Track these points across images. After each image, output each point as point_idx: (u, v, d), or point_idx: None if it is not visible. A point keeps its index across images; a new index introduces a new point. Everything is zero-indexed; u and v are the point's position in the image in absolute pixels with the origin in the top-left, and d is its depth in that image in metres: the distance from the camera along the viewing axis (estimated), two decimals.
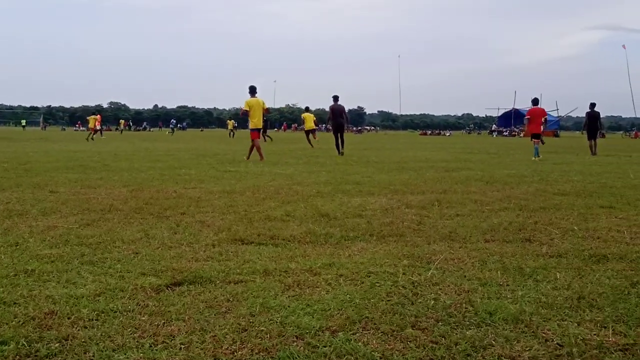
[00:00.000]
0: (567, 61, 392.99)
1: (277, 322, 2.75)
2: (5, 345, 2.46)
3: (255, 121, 14.52)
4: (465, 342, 2.53)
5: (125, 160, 14.00)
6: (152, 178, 9.41)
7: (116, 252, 4.12)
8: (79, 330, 2.63)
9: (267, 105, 14.92)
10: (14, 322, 2.70)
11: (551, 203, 6.78)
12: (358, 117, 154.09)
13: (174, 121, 58.29)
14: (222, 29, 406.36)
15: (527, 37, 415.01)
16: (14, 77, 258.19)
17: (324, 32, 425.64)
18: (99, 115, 33.50)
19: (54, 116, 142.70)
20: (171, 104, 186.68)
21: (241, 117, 16.62)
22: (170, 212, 5.91)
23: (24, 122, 79.72)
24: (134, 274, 3.56)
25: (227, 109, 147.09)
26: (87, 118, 33.53)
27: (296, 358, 2.39)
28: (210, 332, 2.64)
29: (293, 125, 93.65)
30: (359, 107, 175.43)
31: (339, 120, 17.83)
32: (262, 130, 17.30)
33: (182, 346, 2.49)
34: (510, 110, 75.37)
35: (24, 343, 2.47)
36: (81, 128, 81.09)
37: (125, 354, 2.39)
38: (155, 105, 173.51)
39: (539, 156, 16.16)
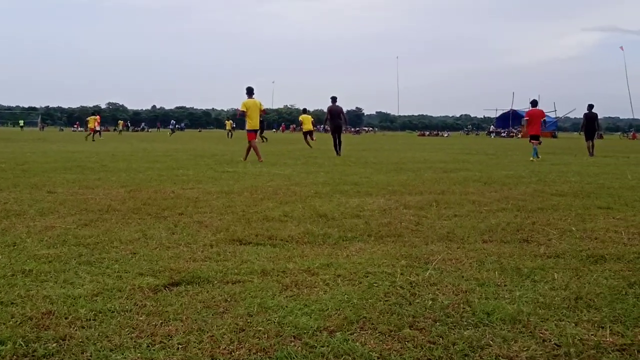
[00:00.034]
0: (565, 62, 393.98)
1: (274, 322, 2.75)
2: (2, 345, 2.45)
3: (252, 122, 14.51)
4: (463, 342, 2.53)
5: (123, 160, 13.98)
6: (150, 179, 9.40)
7: (114, 253, 4.11)
8: (76, 330, 2.63)
9: (264, 107, 14.94)
10: (11, 322, 2.70)
11: (549, 204, 6.79)
12: (356, 118, 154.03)
13: (174, 122, 58.15)
14: (221, 29, 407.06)
15: (525, 38, 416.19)
16: (12, 77, 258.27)
17: (323, 33, 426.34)
18: (98, 116, 33.53)
19: (52, 117, 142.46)
20: (169, 105, 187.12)
21: (238, 119, 16.58)
22: (168, 212, 5.90)
23: (21, 122, 79.74)
24: (132, 274, 3.56)
25: (226, 109, 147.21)
26: (87, 119, 33.50)
27: (294, 358, 2.39)
28: (207, 332, 2.64)
29: (292, 126, 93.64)
30: (357, 107, 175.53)
31: (336, 121, 17.88)
32: (258, 132, 17.29)
33: (180, 346, 2.48)
34: (509, 111, 75.48)
35: (22, 343, 2.47)
36: (79, 129, 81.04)
37: (122, 354, 2.39)
38: (154, 106, 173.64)
39: (538, 157, 16.19)
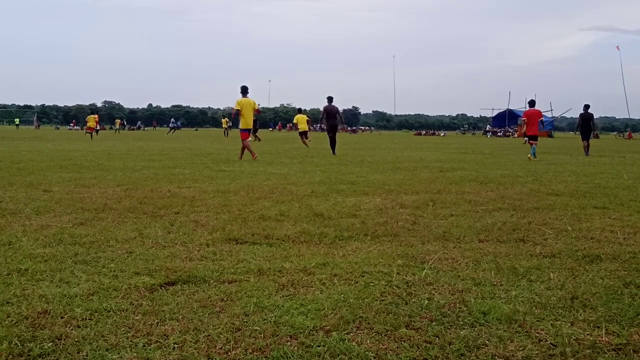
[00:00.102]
0: (562, 62, 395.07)
1: (271, 322, 2.75)
2: None
3: (246, 121, 14.54)
4: (459, 342, 2.53)
5: (120, 159, 13.95)
6: (146, 177, 9.38)
7: (110, 252, 4.10)
8: (72, 329, 2.62)
9: (258, 106, 15.02)
10: (6, 322, 2.69)
11: (545, 203, 6.81)
12: (353, 117, 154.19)
13: (174, 120, 57.72)
14: (217, 29, 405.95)
15: (521, 38, 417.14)
16: (8, 75, 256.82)
17: (321, 33, 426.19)
18: (97, 115, 34.05)
19: (47, 115, 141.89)
20: (166, 103, 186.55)
21: (233, 118, 16.60)
22: (164, 211, 5.89)
23: (17, 120, 79.42)
24: (128, 273, 3.55)
25: (222, 108, 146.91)
26: (87, 118, 33.73)
27: (290, 358, 2.39)
28: (204, 331, 2.63)
29: (288, 125, 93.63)
30: (353, 107, 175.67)
31: (332, 121, 18.04)
32: (252, 130, 17.34)
33: (176, 346, 2.48)
34: (505, 111, 75.62)
35: (17, 342, 2.46)
36: (75, 127, 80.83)
37: (118, 354, 2.39)
38: (150, 105, 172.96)
39: (535, 157, 16.22)
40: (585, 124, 19.46)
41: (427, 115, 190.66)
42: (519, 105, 71.33)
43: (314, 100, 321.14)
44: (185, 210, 5.99)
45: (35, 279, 3.39)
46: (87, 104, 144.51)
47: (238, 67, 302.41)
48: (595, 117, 19.81)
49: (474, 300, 3.10)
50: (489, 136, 66.54)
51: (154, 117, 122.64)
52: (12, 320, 2.71)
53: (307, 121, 25.48)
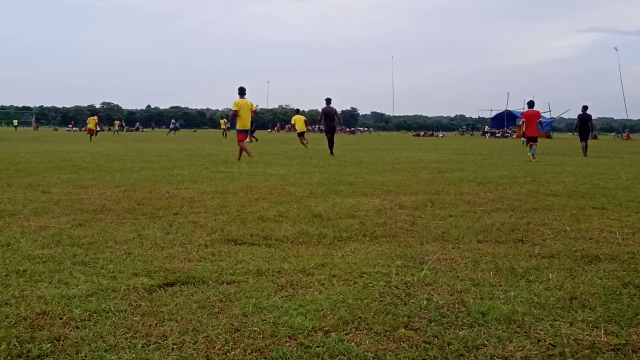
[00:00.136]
0: (560, 63, 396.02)
1: (270, 323, 2.74)
2: None
3: (243, 122, 14.55)
4: (458, 342, 2.53)
5: (118, 160, 13.94)
6: (145, 178, 9.37)
7: (108, 253, 4.10)
8: (70, 330, 2.62)
9: (255, 108, 15.06)
10: (5, 323, 2.69)
11: (543, 204, 6.81)
12: (351, 118, 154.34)
13: (174, 121, 57.44)
14: (216, 30, 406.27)
15: (520, 39, 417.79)
16: (6, 77, 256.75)
17: (319, 33, 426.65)
18: (96, 117, 34.42)
19: (46, 116, 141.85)
20: (164, 105, 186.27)
21: (231, 120, 16.60)
22: (162, 212, 5.89)
23: (16, 122, 79.22)
24: (127, 274, 3.55)
25: (221, 109, 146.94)
26: (88, 119, 33.95)
27: (289, 358, 2.39)
28: (202, 332, 2.63)
29: (287, 126, 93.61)
30: (352, 108, 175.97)
31: (330, 122, 18.14)
32: (249, 132, 17.36)
33: (175, 346, 2.48)
34: (503, 112, 75.63)
35: (16, 343, 2.46)
36: (74, 128, 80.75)
37: (117, 355, 2.38)
38: (148, 106, 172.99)
39: (535, 158, 16.24)
40: (584, 125, 19.51)
41: (426, 116, 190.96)
42: (518, 106, 71.53)
43: (312, 101, 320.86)
44: (184, 211, 5.99)
45: (33, 280, 3.39)
46: (86, 105, 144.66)
47: (237, 67, 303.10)
48: (593, 117, 19.85)
49: (473, 300, 3.10)
50: (487, 137, 66.59)
51: (152, 118, 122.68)
52: (11, 321, 2.71)
53: (305, 122, 25.48)
